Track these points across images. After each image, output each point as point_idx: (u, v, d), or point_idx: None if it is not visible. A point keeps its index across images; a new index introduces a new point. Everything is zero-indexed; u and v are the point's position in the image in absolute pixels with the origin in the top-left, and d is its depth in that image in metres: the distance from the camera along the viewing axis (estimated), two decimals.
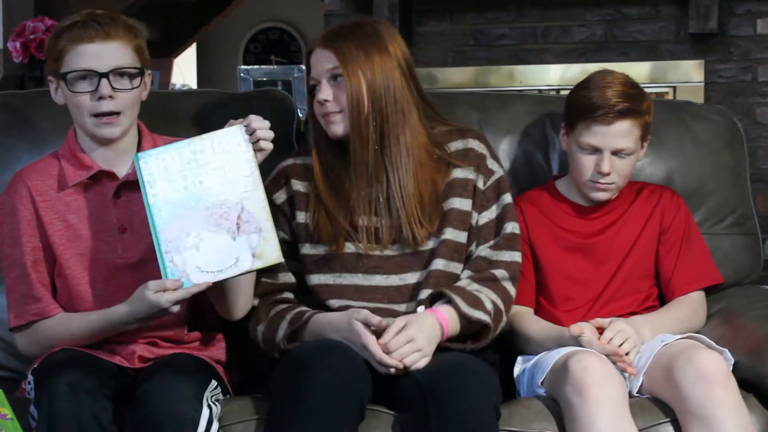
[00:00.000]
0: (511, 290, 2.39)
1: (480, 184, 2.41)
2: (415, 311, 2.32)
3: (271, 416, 2.17)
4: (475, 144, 2.43)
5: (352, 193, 2.36)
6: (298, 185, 2.43)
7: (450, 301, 2.30)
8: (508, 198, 2.44)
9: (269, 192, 2.36)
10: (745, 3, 4.37)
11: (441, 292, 2.32)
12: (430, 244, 2.37)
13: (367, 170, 2.34)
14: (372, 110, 2.31)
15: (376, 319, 2.20)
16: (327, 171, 2.39)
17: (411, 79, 2.38)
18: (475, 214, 2.40)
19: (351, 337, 2.21)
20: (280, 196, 2.43)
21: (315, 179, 2.39)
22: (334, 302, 2.35)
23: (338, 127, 2.34)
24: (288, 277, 2.41)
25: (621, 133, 2.46)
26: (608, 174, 2.47)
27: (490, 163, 2.44)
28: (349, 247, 2.37)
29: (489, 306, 2.32)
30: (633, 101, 2.46)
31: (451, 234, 2.37)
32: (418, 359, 2.21)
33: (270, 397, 2.21)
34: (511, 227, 2.41)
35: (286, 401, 2.12)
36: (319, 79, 2.34)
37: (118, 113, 2.29)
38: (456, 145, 2.42)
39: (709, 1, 4.27)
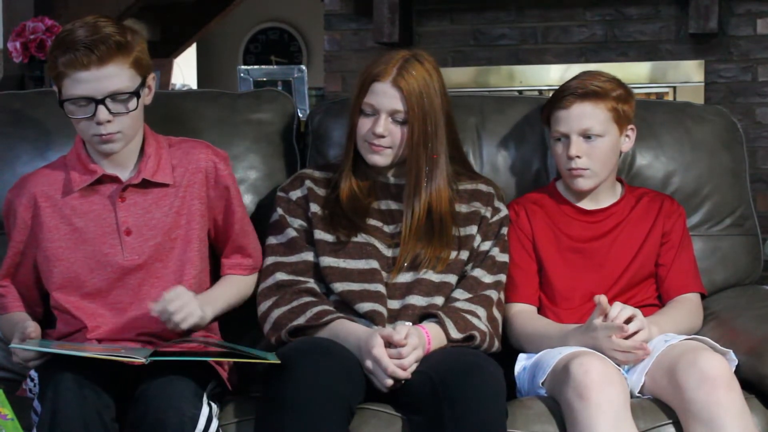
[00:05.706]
0: (498, 316, 2.47)
1: (488, 216, 2.51)
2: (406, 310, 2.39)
3: (258, 416, 2.20)
4: (483, 186, 2.55)
5: (371, 205, 2.48)
6: (312, 186, 2.50)
7: (439, 322, 2.35)
8: (506, 231, 2.55)
9: (286, 191, 2.50)
10: (745, 3, 4.36)
11: (433, 313, 2.38)
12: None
13: (411, 197, 2.45)
14: (424, 152, 2.43)
15: (398, 336, 2.24)
16: (353, 184, 2.49)
17: (450, 123, 2.50)
18: (478, 238, 2.49)
19: (364, 347, 2.25)
20: (296, 193, 2.51)
21: (339, 183, 2.48)
22: (338, 285, 2.40)
23: (382, 159, 2.46)
24: (309, 256, 2.46)
25: (582, 115, 2.50)
26: (578, 157, 2.49)
27: (497, 203, 2.54)
28: (360, 237, 2.45)
29: (482, 327, 2.39)
30: (597, 86, 2.51)
31: (452, 255, 2.45)
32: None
33: (260, 397, 2.23)
34: (503, 257, 2.52)
35: (269, 402, 2.16)
36: (379, 112, 2.42)
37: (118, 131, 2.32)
38: (465, 186, 2.53)
39: (709, 1, 4.26)
